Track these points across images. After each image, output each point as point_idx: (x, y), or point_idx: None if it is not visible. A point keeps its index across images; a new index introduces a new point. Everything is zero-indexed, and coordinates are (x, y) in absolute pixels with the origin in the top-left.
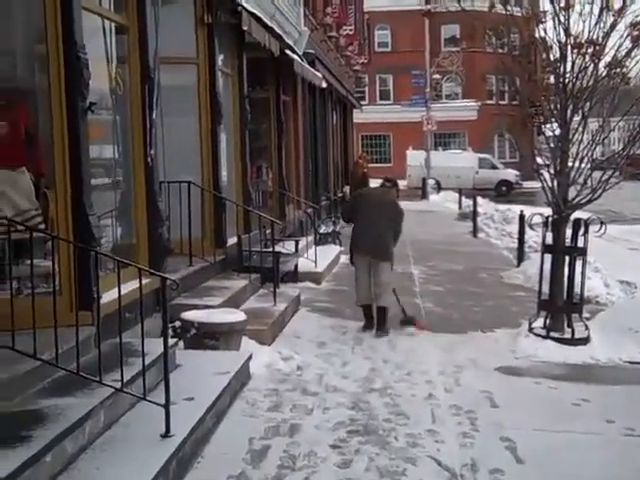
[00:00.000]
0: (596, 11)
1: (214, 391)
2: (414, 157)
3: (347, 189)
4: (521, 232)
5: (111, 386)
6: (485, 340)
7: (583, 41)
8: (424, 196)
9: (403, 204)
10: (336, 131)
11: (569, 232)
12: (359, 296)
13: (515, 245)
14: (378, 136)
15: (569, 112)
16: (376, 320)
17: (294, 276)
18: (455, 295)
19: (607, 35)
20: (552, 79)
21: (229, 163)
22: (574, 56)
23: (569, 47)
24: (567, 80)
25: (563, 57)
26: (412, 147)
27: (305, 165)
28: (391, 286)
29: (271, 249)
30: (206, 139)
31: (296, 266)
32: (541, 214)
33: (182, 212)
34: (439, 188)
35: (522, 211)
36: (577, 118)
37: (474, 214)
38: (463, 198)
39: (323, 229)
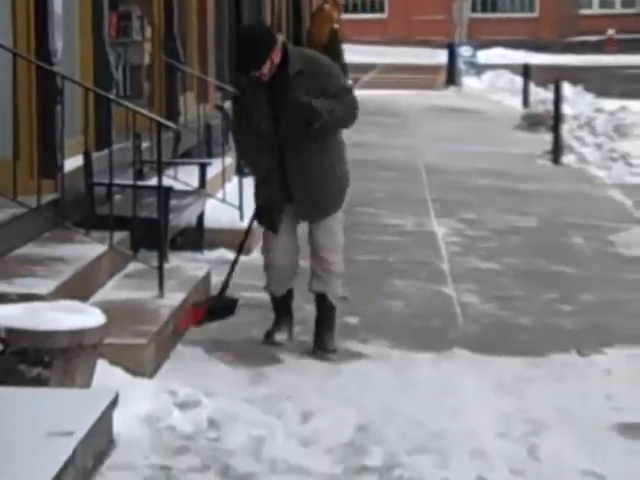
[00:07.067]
0: None
1: (41, 472)
2: None
3: None
4: None
5: None
6: (585, 370)
7: None
8: (451, 80)
9: (411, 95)
10: None
11: None
12: (275, 271)
13: None
14: None
15: None
16: (317, 325)
17: (197, 237)
18: (522, 279)
19: None
20: None
21: (67, 4)
22: None
23: None
24: None
25: None
26: None
27: (217, 13)
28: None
29: (152, 182)
30: None
31: (201, 217)
32: None
33: None
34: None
35: None
36: None
37: (556, 117)
38: (532, 85)
39: None
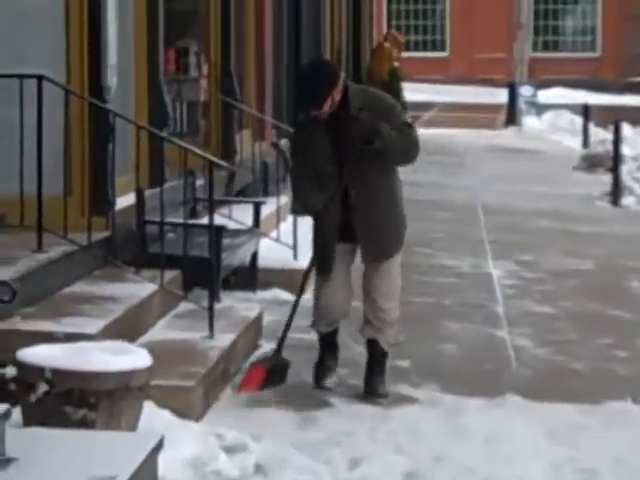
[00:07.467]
0: None
1: None
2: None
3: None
4: None
5: None
6: None
7: None
8: (511, 120)
9: (471, 134)
10: None
11: None
12: (326, 312)
13: None
14: None
15: None
16: (368, 369)
17: (251, 277)
18: (577, 323)
19: None
20: None
21: (122, 40)
22: None
23: None
24: None
25: None
26: None
27: (276, 50)
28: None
29: (205, 221)
30: None
31: (255, 256)
32: None
33: (24, 138)
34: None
35: None
36: None
37: (615, 158)
38: (592, 126)
39: None
